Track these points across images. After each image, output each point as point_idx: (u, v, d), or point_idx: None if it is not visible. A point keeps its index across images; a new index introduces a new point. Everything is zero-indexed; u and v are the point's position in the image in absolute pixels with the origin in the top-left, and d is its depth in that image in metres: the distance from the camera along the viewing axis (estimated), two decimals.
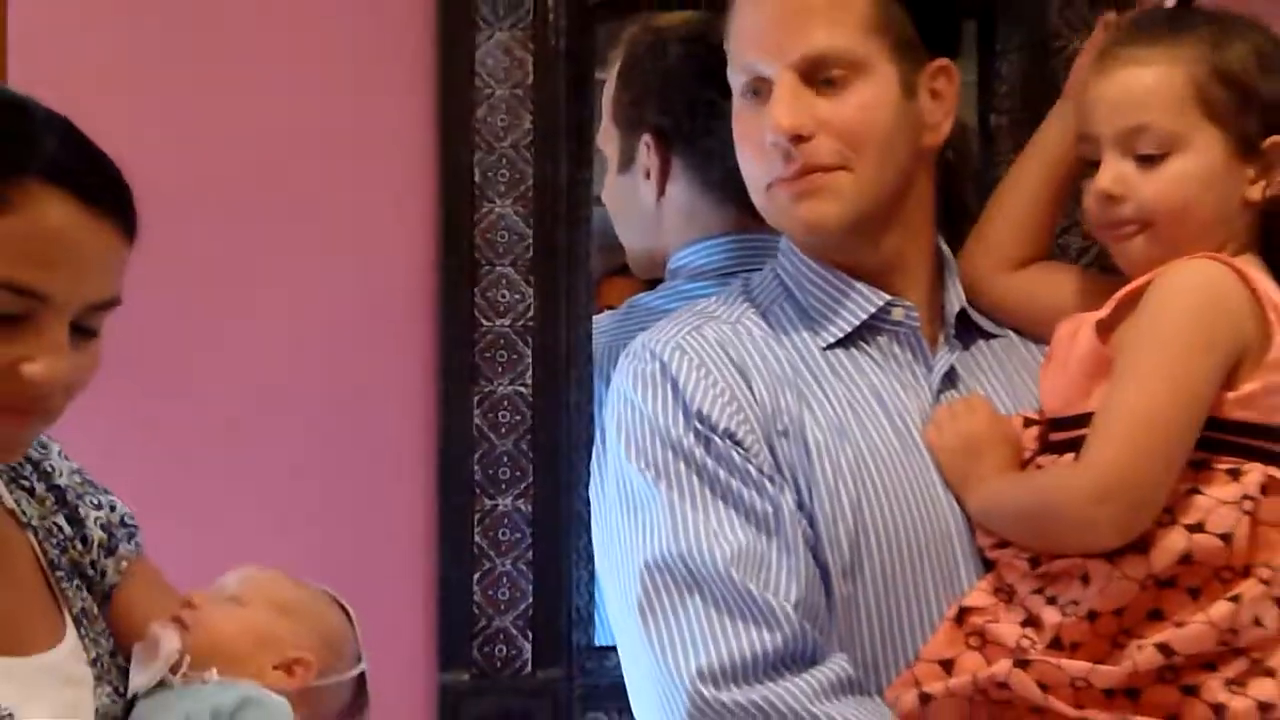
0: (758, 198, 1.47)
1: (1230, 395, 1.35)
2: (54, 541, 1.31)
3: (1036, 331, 1.51)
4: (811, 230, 1.44)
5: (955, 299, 1.50)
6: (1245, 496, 1.31)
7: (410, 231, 1.82)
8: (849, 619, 1.40)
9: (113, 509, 1.38)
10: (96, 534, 1.35)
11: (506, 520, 1.77)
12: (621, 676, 1.56)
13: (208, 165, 1.81)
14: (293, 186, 1.81)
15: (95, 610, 1.32)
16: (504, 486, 1.77)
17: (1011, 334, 1.53)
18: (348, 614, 1.38)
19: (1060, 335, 1.44)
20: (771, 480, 1.40)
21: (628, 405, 1.46)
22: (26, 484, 1.32)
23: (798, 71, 1.39)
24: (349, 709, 1.37)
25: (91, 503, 1.37)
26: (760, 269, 1.60)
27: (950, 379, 1.47)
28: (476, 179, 1.77)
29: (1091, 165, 1.40)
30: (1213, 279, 1.38)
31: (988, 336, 1.52)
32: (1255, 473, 1.32)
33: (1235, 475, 1.33)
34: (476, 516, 1.77)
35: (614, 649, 1.72)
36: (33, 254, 1.12)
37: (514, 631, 1.79)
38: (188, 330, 1.82)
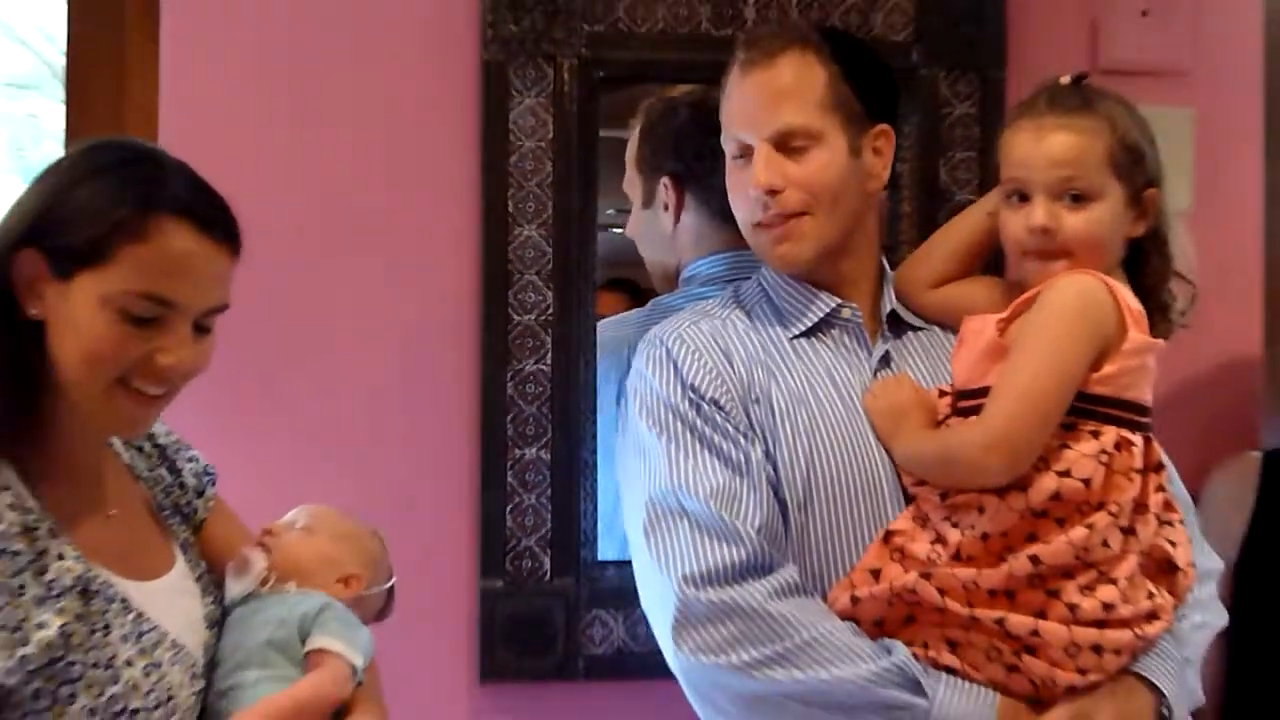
0: (746, 233, 1.79)
1: (1094, 375, 1.62)
2: (160, 488, 1.60)
3: (955, 327, 1.81)
4: (787, 266, 1.77)
5: (889, 303, 1.81)
6: (1102, 451, 1.60)
7: (460, 248, 2.12)
8: (802, 541, 1.69)
9: (198, 461, 1.67)
10: (190, 481, 1.63)
11: (532, 466, 2.08)
12: (617, 583, 1.91)
13: (309, 201, 2.11)
14: (373, 214, 2.12)
15: (192, 540, 1.61)
16: (530, 440, 2.08)
17: (935, 328, 1.84)
18: (383, 542, 1.68)
19: (968, 328, 1.73)
20: (745, 436, 1.70)
21: (641, 378, 1.76)
22: (138, 444, 1.61)
23: (772, 142, 1.71)
24: (382, 612, 1.68)
25: (185, 457, 1.65)
26: (749, 277, 1.91)
27: (885, 361, 1.78)
28: (510, 209, 2.09)
29: (1015, 198, 1.70)
30: (1089, 288, 1.65)
31: (915, 330, 1.83)
32: (1111, 434, 1.61)
33: (1096, 435, 1.61)
34: (509, 463, 2.09)
35: (612, 563, 2.09)
36: (165, 272, 1.38)
37: (537, 549, 2.10)
38: (289, 323, 2.10)
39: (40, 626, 1.36)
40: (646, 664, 1.82)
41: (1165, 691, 1.62)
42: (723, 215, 1.98)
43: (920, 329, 1.84)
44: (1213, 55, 2.31)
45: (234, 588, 1.55)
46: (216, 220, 1.44)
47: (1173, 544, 1.66)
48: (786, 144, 1.72)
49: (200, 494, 1.63)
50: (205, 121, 2.07)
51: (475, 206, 2.11)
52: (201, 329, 1.44)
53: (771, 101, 1.73)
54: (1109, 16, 2.27)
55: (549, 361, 2.11)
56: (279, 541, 1.58)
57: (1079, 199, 1.65)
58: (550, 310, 2.11)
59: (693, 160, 2.14)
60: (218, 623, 1.53)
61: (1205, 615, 1.76)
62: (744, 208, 1.78)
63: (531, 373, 2.11)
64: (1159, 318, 1.74)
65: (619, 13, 2.09)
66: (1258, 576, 2.16)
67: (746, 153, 1.74)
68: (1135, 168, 1.67)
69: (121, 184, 1.41)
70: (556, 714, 2.16)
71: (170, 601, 1.50)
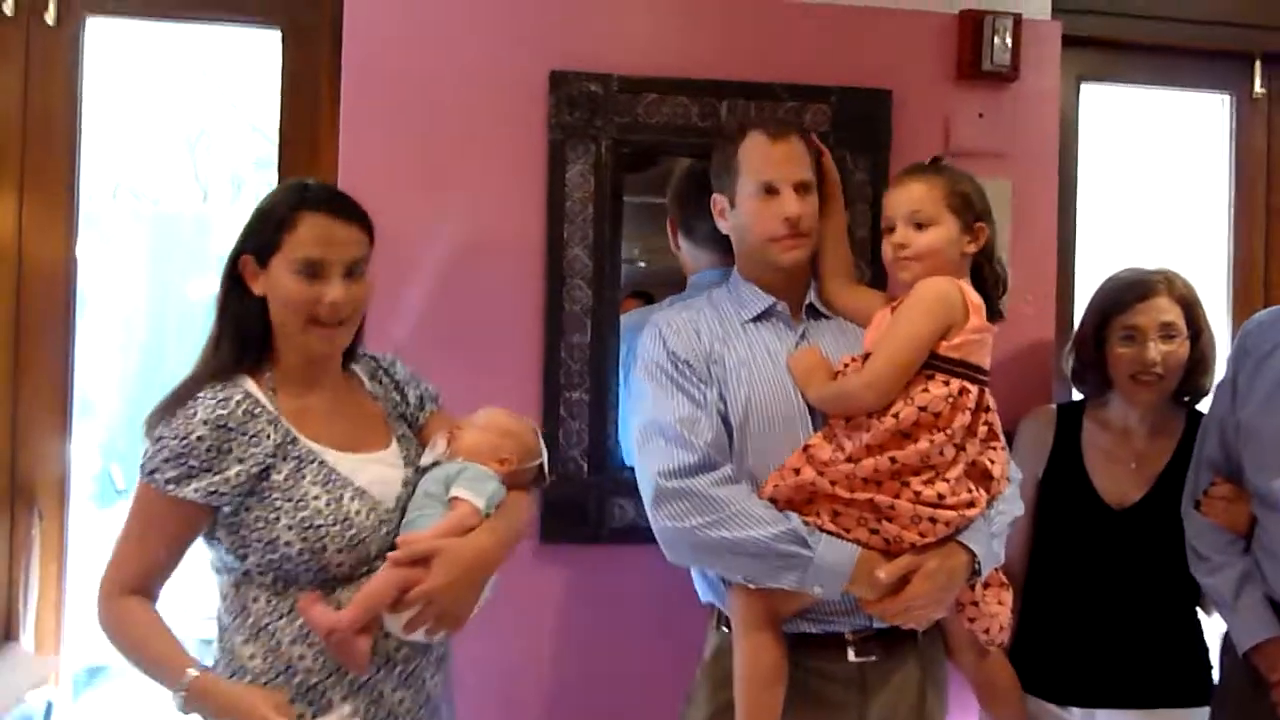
0: (762, 243, 2.09)
1: (946, 344, 1.95)
2: (390, 404, 2.03)
3: (854, 319, 2.16)
4: (794, 263, 2.10)
5: (808, 299, 2.16)
6: (948, 395, 1.92)
7: (532, 261, 2.56)
8: (742, 453, 2.03)
9: (426, 388, 2.08)
10: (413, 400, 2.05)
11: (576, 404, 2.54)
12: (630, 480, 2.14)
13: (434, 230, 2.52)
14: (478, 239, 2.54)
15: (411, 436, 2.00)
16: (575, 386, 2.54)
17: (840, 319, 2.17)
18: (538, 435, 2.04)
19: (876, 317, 2.05)
20: (705, 383, 2.05)
21: (643, 347, 2.12)
22: (380, 378, 2.05)
23: (794, 187, 2.08)
24: (534, 481, 2.02)
25: (413, 386, 2.06)
26: (711, 283, 2.27)
27: (803, 336, 2.12)
28: (564, 236, 2.55)
29: (889, 232, 2.04)
30: (941, 286, 1.99)
31: (827, 318, 2.17)
32: (956, 384, 1.94)
33: (946, 383, 1.94)
34: (561, 402, 2.54)
35: (627, 467, 2.40)
36: (311, 242, 1.81)
37: (579, 457, 2.55)
38: (427, 313, 2.51)
39: (237, 466, 1.78)
40: (648, 534, 2.06)
41: (977, 552, 1.97)
42: (709, 243, 2.42)
43: (830, 318, 2.18)
44: (1024, 145, 2.75)
45: (424, 459, 1.93)
46: (341, 208, 1.85)
47: (992, 461, 1.99)
48: (800, 189, 2.08)
49: (421, 408, 2.05)
50: (369, 180, 2.41)
51: (542, 234, 2.55)
52: (352, 274, 1.84)
53: (792, 159, 2.09)
54: (955, 117, 2.72)
55: (589, 336, 2.54)
56: (459, 432, 1.94)
57: (921, 226, 2.01)
58: (590, 303, 2.55)
59: (684, 209, 2.54)
60: (413, 484, 1.91)
61: (1008, 506, 2.06)
62: (768, 228, 2.08)
63: (577, 343, 2.55)
64: (993, 309, 2.06)
65: (638, 111, 2.56)
66: (1055, 489, 2.49)
67: (772, 190, 2.07)
68: (965, 208, 2.02)
69: (281, 200, 1.86)
70: (590, 565, 2.57)
71: (369, 466, 1.89)
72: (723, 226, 2.20)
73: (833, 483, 1.90)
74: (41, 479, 2.56)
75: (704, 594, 2.16)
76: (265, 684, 1.81)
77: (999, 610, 2.03)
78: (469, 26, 2.57)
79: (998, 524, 2.02)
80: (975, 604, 2.02)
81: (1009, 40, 2.68)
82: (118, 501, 3.77)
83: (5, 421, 2.54)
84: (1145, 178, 3.38)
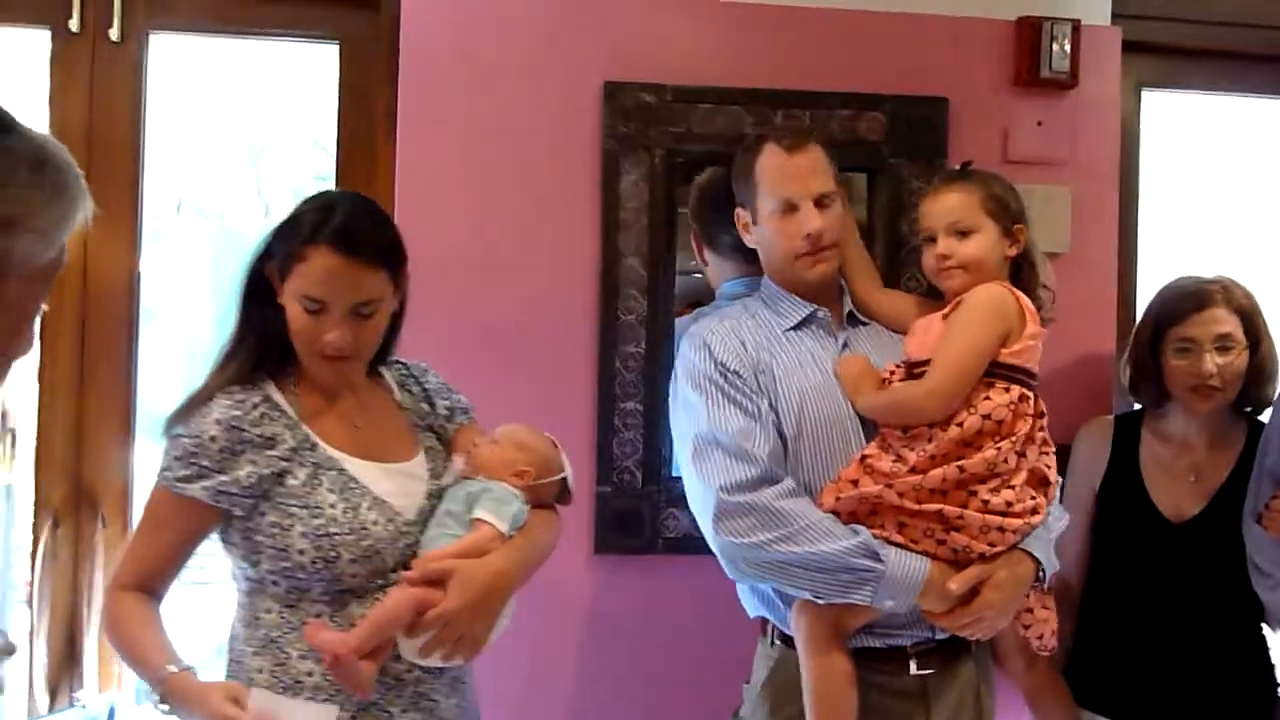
0: (787, 260, 2.08)
1: (1006, 350, 1.95)
2: (418, 415, 2.00)
3: (886, 324, 2.15)
4: (821, 278, 2.09)
5: (847, 306, 2.15)
6: (1010, 401, 1.92)
7: (587, 271, 2.58)
8: (796, 462, 2.01)
9: (457, 400, 2.05)
10: (443, 412, 2.02)
11: (630, 413, 2.55)
12: (683, 491, 2.14)
13: (491, 243, 2.56)
14: (534, 249, 2.57)
15: (439, 448, 1.97)
16: (629, 396, 2.56)
17: (876, 325, 2.16)
18: (558, 447, 1.99)
19: (918, 325, 2.05)
20: (756, 394, 2.02)
21: (686, 359, 2.08)
22: (410, 387, 2.03)
23: (813, 200, 2.05)
24: (560, 497, 1.99)
25: (443, 398, 2.03)
26: (751, 293, 2.23)
27: (845, 345, 2.10)
28: (619, 246, 2.57)
29: (930, 243, 2.04)
30: (998, 293, 1.99)
31: (863, 324, 2.16)
32: (1016, 390, 1.95)
33: (1006, 390, 1.94)
34: (615, 411, 2.56)
35: (680, 478, 2.25)
36: (316, 282, 1.77)
37: (632, 467, 2.56)
38: (480, 322, 2.53)
39: (249, 468, 1.76)
40: (700, 545, 2.08)
41: (1041, 560, 1.97)
42: (734, 253, 2.42)
43: (867, 324, 2.16)
44: (1084, 153, 2.73)
45: (445, 477, 1.92)
46: (361, 247, 1.78)
47: (1048, 466, 1.99)
48: (821, 202, 2.06)
49: (451, 419, 2.02)
50: (425, 191, 2.54)
51: (596, 245, 2.57)
52: (360, 315, 1.80)
53: (812, 172, 2.06)
54: (1015, 126, 2.71)
55: (643, 346, 2.55)
56: (476, 450, 1.93)
57: (963, 234, 2.01)
58: (644, 313, 2.57)
59: (705, 222, 2.56)
60: (438, 497, 1.89)
61: (1059, 512, 2.07)
62: (791, 243, 2.06)
63: (631, 353, 2.57)
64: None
65: (692, 121, 2.58)
66: (1112, 502, 2.48)
67: (791, 206, 2.05)
68: (1003, 212, 2.02)
69: (304, 221, 1.81)
70: (643, 576, 2.57)
71: (393, 476, 1.87)
72: (748, 240, 2.19)
73: (900, 494, 1.88)
74: (105, 487, 2.60)
75: (754, 609, 2.14)
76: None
77: (1048, 616, 2.03)
78: (523, 39, 2.60)
79: (1055, 530, 2.03)
80: (1030, 610, 2.02)
81: (1068, 47, 2.66)
82: None
83: (71, 431, 2.59)
84: (1208, 185, 3.34)
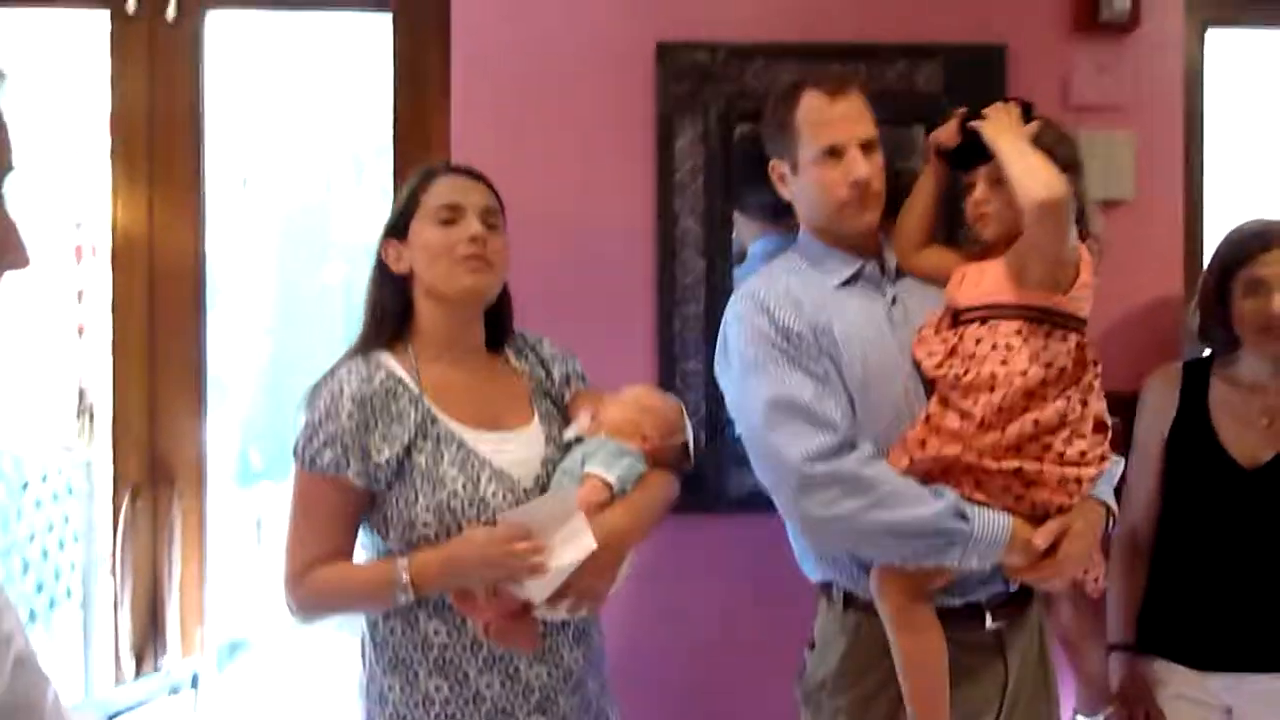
0: (831, 209, 2.02)
1: (1064, 297, 1.93)
2: (534, 381, 2.04)
3: (926, 277, 2.10)
4: (868, 227, 2.05)
5: (890, 260, 2.09)
6: (1069, 349, 1.91)
7: (642, 235, 2.62)
8: (862, 424, 1.97)
9: (573, 366, 2.10)
10: (558, 377, 2.07)
11: (692, 374, 2.57)
12: (745, 452, 2.08)
13: (549, 208, 2.57)
14: (593, 211, 2.60)
15: (555, 412, 2.02)
16: (690, 356, 2.58)
17: (914, 277, 2.10)
18: (683, 413, 2.02)
19: (968, 270, 2.01)
20: (820, 357, 1.97)
21: (746, 322, 2.01)
22: (526, 355, 2.07)
23: (861, 146, 2.00)
24: (680, 460, 2.02)
25: (560, 363, 2.08)
26: (779, 248, 2.19)
27: (894, 301, 2.07)
28: (676, 207, 2.59)
29: (970, 189, 2.01)
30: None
31: (902, 277, 2.11)
32: (1074, 338, 1.93)
33: (1064, 339, 1.92)
34: (677, 372, 2.59)
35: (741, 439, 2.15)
36: (446, 192, 1.93)
37: (695, 427, 2.30)
38: (546, 285, 2.45)
39: (385, 447, 1.83)
40: (766, 503, 2.05)
41: (1110, 505, 1.99)
42: (759, 212, 2.46)
43: (907, 276, 2.12)
44: (1148, 96, 2.70)
45: (567, 434, 1.97)
46: (469, 172, 1.99)
47: (1104, 411, 1.98)
48: (866, 148, 2.02)
49: (567, 384, 2.07)
50: (481, 156, 2.32)
51: (653, 207, 2.61)
52: (489, 226, 1.92)
53: (856, 117, 2.02)
54: (1076, 72, 2.68)
55: (703, 306, 2.57)
56: (600, 409, 1.96)
57: (1001, 183, 1.95)
58: (702, 273, 2.59)
59: (739, 186, 2.58)
60: (554, 461, 1.94)
61: (1115, 459, 2.03)
62: (837, 191, 2.01)
63: (691, 314, 2.60)
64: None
65: (746, 79, 2.57)
66: (1182, 449, 2.46)
67: (837, 151, 2.00)
68: (1052, 159, 1.93)
69: (412, 178, 1.97)
70: (708, 534, 2.59)
71: (509, 445, 1.92)
72: (784, 193, 2.13)
73: (979, 454, 1.87)
74: (180, 461, 2.67)
75: (821, 573, 2.11)
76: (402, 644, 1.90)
77: (1100, 559, 2.03)
78: (575, 2, 2.61)
79: (1115, 474, 2.02)
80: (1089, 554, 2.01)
81: None
82: (256, 482, 3.89)
83: (144, 406, 2.66)
84: (1277, 125, 3.25)
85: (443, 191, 1.92)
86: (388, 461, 1.84)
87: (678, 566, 2.60)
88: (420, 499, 1.83)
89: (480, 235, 1.88)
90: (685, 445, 2.00)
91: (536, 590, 1.80)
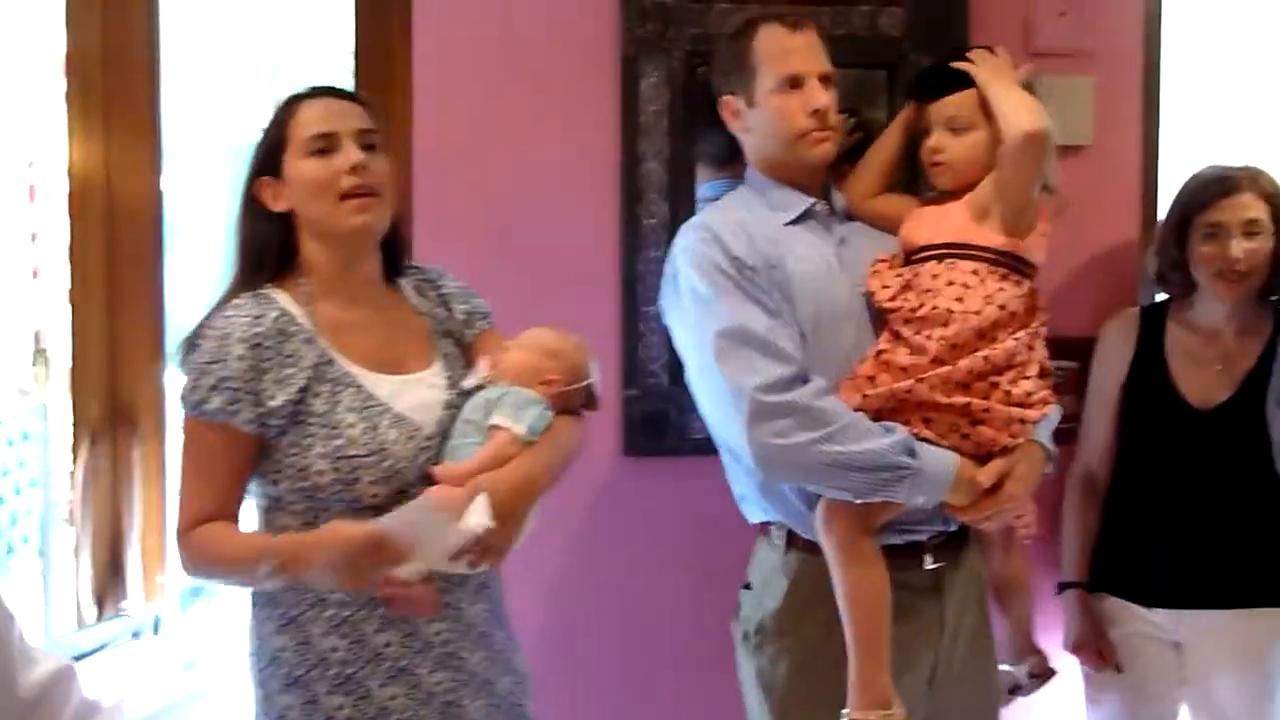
0: (788, 139, 2.03)
1: (1021, 243, 1.97)
2: (435, 320, 1.94)
3: (876, 224, 2.14)
4: (825, 158, 2.05)
5: (839, 201, 2.12)
6: (1022, 294, 1.95)
7: (607, 175, 2.61)
8: (814, 357, 1.97)
9: (476, 304, 1.99)
10: (460, 316, 1.97)
11: (655, 317, 2.42)
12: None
13: (510, 151, 2.58)
14: (553, 157, 2.59)
15: (457, 354, 1.92)
16: (653, 300, 2.37)
17: (861, 222, 2.12)
18: (588, 354, 1.95)
19: (923, 214, 2.05)
20: (772, 290, 1.97)
21: (696, 252, 2.00)
22: (426, 292, 1.97)
23: (819, 79, 2.02)
24: (586, 403, 1.96)
25: (462, 300, 1.98)
26: (726, 192, 2.21)
27: (842, 240, 2.09)
28: (639, 150, 2.58)
29: (925, 135, 2.03)
30: None
31: (850, 220, 2.13)
32: (1026, 284, 1.97)
33: (1018, 283, 1.96)
34: (639, 316, 2.58)
35: None
36: (314, 120, 1.80)
37: (658, 370, 2.60)
38: (506, 234, 2.55)
39: (278, 392, 1.73)
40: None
41: (1049, 448, 2.01)
42: (704, 157, 2.51)
43: (852, 219, 2.14)
44: (1107, 41, 2.71)
45: (467, 381, 1.89)
46: (335, 90, 1.88)
47: (1047, 357, 2.00)
48: (825, 80, 2.04)
49: (469, 325, 1.97)
50: (443, 99, 2.56)
51: (616, 149, 2.59)
52: (367, 148, 1.80)
53: (816, 50, 2.05)
54: (1037, 16, 2.69)
55: (665, 250, 2.27)
56: (502, 355, 1.89)
57: (957, 131, 2.01)
58: (666, 217, 2.57)
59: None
60: (456, 406, 1.85)
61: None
62: (796, 120, 2.02)
63: (655, 257, 2.53)
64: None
65: (711, 20, 2.55)
66: (1139, 393, 2.50)
67: (797, 82, 2.01)
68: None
69: (276, 110, 1.85)
70: (672, 477, 2.60)
71: (409, 389, 1.84)
72: (736, 129, 2.12)
73: (931, 388, 1.89)
74: (141, 404, 2.64)
75: (765, 513, 2.10)
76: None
77: (1032, 506, 2.07)
78: None
79: (1054, 420, 2.03)
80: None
81: None
82: None
83: (103, 350, 2.62)
84: (1234, 72, 3.29)
85: (311, 120, 1.80)
86: (281, 407, 1.74)
87: (643, 510, 2.63)
88: (316, 446, 1.74)
89: (360, 162, 1.78)
90: (590, 388, 1.95)
91: (406, 572, 1.71)
